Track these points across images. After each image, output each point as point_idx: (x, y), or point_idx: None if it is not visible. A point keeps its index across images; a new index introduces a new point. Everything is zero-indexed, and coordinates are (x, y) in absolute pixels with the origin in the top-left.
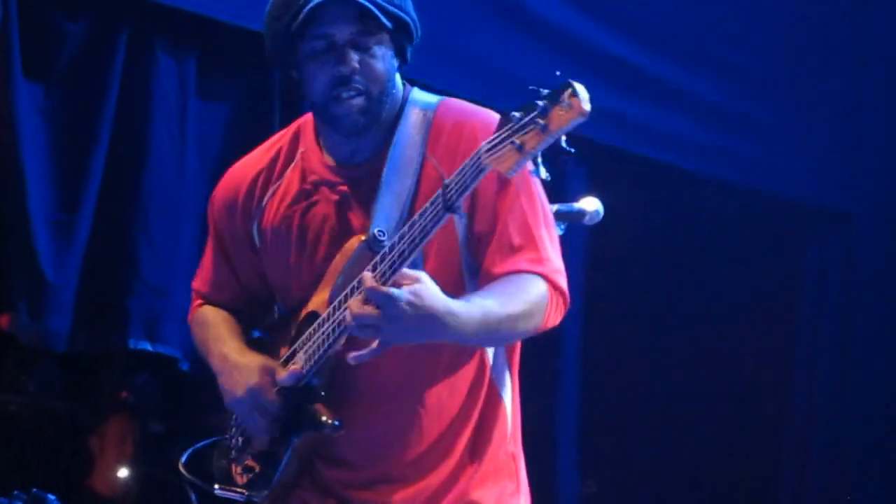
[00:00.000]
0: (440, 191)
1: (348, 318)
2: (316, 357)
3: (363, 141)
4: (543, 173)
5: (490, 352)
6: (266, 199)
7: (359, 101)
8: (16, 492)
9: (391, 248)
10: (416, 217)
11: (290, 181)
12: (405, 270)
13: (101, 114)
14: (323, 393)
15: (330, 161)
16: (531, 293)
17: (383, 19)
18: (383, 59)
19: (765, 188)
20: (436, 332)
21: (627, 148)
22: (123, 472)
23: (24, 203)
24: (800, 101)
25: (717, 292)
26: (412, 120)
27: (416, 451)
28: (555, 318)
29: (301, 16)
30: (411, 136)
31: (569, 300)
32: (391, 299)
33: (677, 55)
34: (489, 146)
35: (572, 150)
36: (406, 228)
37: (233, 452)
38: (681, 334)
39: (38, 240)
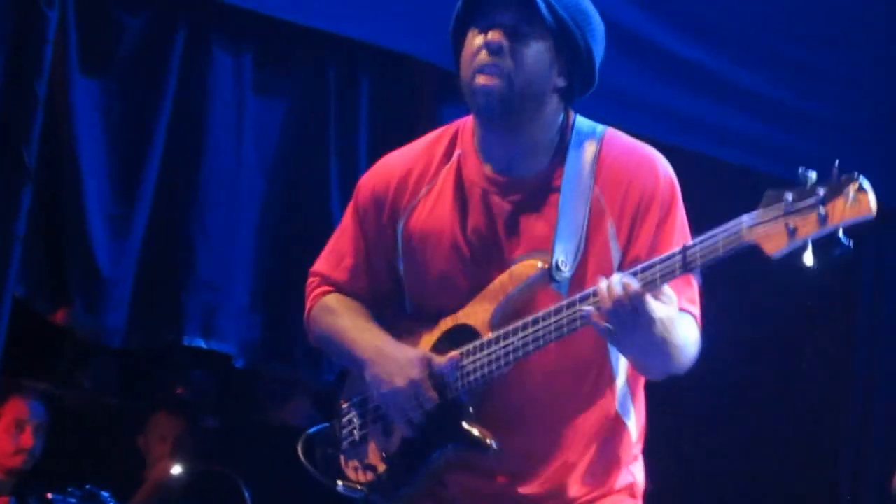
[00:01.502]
0: (680, 249)
1: (608, 300)
2: (476, 375)
3: (520, 150)
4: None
5: (618, 379)
6: (418, 197)
7: (497, 84)
8: (70, 488)
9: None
10: (649, 264)
11: (445, 183)
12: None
13: (157, 109)
14: (471, 410)
15: (489, 171)
16: (691, 334)
17: (544, 11)
18: (537, 56)
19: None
20: (647, 346)
21: (685, 145)
22: (178, 469)
23: (81, 198)
24: (858, 96)
25: (775, 285)
26: (582, 147)
27: (543, 473)
28: (691, 363)
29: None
30: (583, 163)
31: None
32: (649, 314)
33: (735, 51)
34: (753, 222)
35: (850, 245)
36: (639, 271)
37: (344, 444)
38: (738, 327)
39: (95, 235)
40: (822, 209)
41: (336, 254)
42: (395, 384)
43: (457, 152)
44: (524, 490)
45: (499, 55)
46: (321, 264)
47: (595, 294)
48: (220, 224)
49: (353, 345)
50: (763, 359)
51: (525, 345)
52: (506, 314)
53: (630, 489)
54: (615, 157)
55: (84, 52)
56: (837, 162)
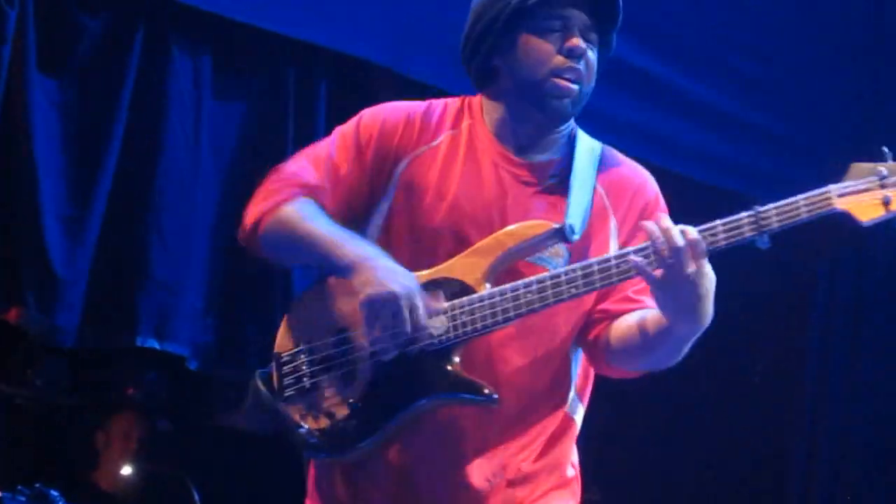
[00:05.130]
0: (748, 212)
1: (676, 242)
2: (476, 325)
3: (539, 140)
4: None
5: (573, 375)
6: (422, 149)
7: (575, 89)
8: (19, 486)
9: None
10: (717, 223)
11: (453, 145)
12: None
13: (115, 110)
14: (458, 360)
15: (503, 150)
16: None
17: (618, 22)
18: (596, 62)
19: (776, 198)
20: (688, 304)
21: (641, 157)
22: (128, 469)
23: (36, 198)
24: (813, 111)
25: (728, 296)
26: (585, 145)
27: (494, 448)
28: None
29: None
30: (586, 158)
31: None
32: (704, 268)
33: (690, 64)
34: (842, 191)
35: None
36: (708, 229)
37: (288, 391)
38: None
39: (49, 235)
40: None
41: (321, 162)
42: (392, 287)
43: (465, 122)
44: (473, 466)
45: (580, 61)
46: (301, 169)
47: (646, 248)
48: (175, 227)
49: (336, 248)
50: (714, 373)
51: (542, 298)
52: (499, 271)
53: (573, 483)
54: (618, 166)
55: (43, 52)
56: None
